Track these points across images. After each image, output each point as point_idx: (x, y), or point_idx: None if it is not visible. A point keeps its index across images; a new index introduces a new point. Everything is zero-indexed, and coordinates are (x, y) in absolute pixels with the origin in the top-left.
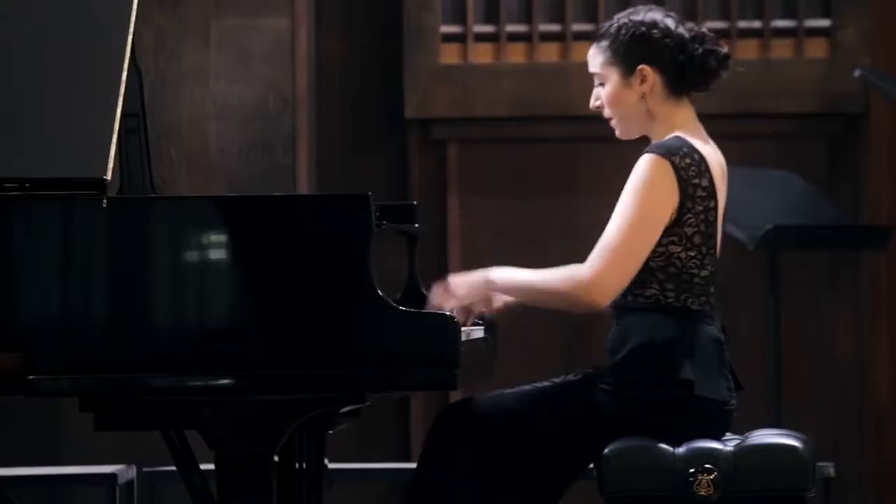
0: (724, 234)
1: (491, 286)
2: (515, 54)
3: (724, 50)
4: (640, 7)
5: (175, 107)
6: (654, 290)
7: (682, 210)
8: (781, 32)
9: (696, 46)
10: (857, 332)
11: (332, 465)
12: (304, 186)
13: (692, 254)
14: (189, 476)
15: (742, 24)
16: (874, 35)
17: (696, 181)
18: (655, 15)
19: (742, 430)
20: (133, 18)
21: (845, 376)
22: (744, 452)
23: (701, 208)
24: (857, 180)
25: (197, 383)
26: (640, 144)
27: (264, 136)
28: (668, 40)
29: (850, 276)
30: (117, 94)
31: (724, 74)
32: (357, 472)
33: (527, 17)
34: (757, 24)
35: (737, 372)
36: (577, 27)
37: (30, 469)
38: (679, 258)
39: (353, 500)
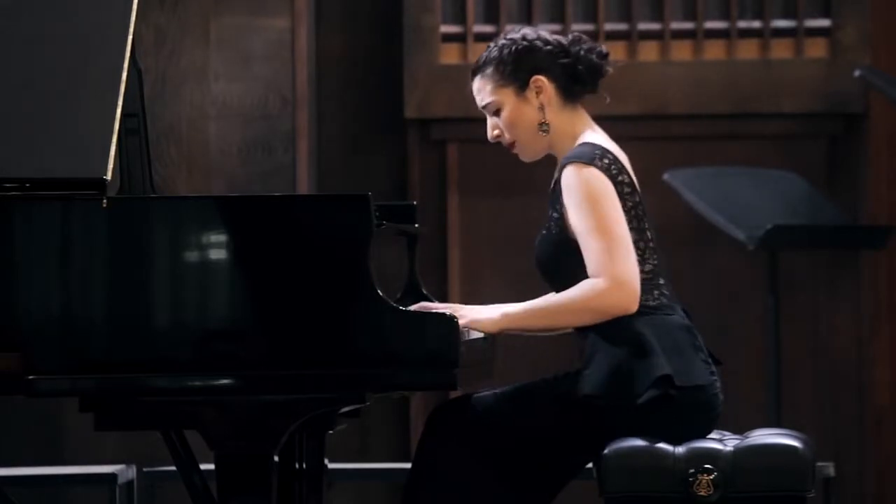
0: (725, 235)
1: (507, 321)
2: None
3: (602, 47)
4: (508, 28)
5: (175, 107)
6: None
7: None
8: (781, 32)
9: (577, 48)
10: (857, 332)
11: (332, 465)
12: (304, 186)
13: None
14: (189, 476)
15: (742, 24)
16: (874, 35)
17: (619, 178)
18: (527, 30)
19: (742, 430)
20: (133, 18)
21: (845, 376)
22: (744, 452)
23: (631, 204)
24: (857, 180)
25: (197, 383)
26: (638, 142)
27: (264, 136)
28: (549, 47)
29: (850, 276)
30: (117, 94)
31: (610, 70)
32: (357, 472)
33: (527, 18)
34: (757, 24)
35: (714, 351)
36: (577, 27)
37: (30, 469)
38: None
39: (353, 500)
